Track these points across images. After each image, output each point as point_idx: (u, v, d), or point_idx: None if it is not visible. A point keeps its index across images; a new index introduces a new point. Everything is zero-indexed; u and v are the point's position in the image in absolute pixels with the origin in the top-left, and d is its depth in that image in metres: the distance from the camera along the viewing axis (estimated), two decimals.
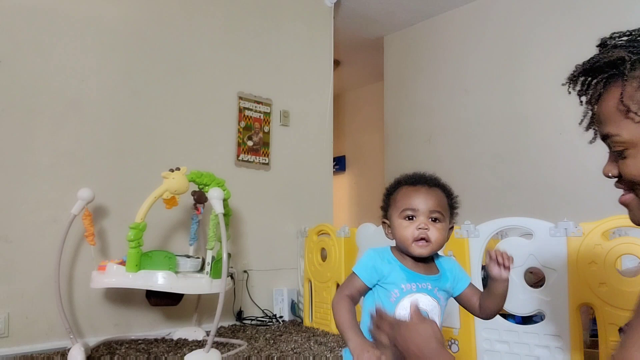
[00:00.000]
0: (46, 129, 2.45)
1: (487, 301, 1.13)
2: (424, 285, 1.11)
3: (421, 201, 1.10)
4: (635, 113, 0.80)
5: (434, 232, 1.09)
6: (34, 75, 2.43)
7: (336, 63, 4.46)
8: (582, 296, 1.82)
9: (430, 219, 1.10)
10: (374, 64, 4.99)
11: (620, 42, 0.89)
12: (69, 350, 2.09)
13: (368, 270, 1.12)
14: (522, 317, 2.01)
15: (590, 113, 0.94)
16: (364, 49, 4.85)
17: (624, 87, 0.82)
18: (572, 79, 0.99)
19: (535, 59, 3.51)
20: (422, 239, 1.09)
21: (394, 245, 1.17)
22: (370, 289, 1.14)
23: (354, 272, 1.13)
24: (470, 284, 1.17)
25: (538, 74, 3.49)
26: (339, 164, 6.02)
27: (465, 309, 1.20)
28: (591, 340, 2.01)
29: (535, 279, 2.08)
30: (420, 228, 1.09)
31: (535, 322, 1.95)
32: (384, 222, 1.18)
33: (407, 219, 1.10)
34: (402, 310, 1.08)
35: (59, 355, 2.17)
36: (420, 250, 1.09)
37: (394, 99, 4.54)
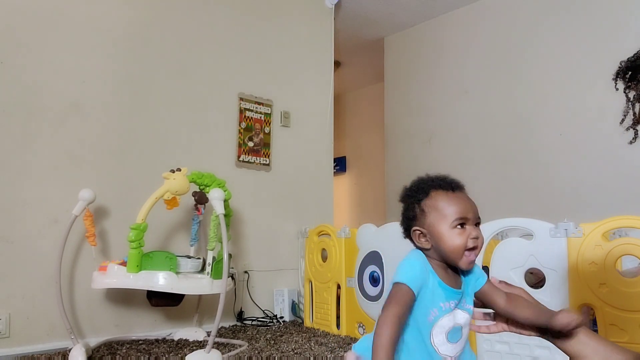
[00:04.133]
0: (47, 130, 2.45)
1: (521, 312, 1.10)
2: (458, 302, 1.08)
3: (469, 209, 1.07)
4: None
5: (481, 238, 1.07)
6: (35, 76, 2.44)
7: (337, 64, 4.47)
8: (582, 297, 1.82)
9: (474, 225, 1.07)
10: (375, 65, 4.99)
11: None
12: (69, 350, 2.09)
13: (417, 279, 1.04)
14: None
15: (631, 111, 0.91)
16: (364, 50, 4.86)
17: None
18: (619, 74, 0.96)
19: (535, 60, 3.51)
20: (474, 247, 1.05)
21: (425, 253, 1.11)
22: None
23: (401, 283, 1.03)
24: (488, 281, 1.13)
25: (538, 74, 3.49)
26: (340, 164, 6.02)
27: (486, 305, 1.16)
28: None
29: (536, 279, 2.08)
30: (473, 237, 1.05)
31: None
32: (415, 231, 1.10)
33: (458, 227, 1.05)
34: (439, 330, 1.05)
35: (60, 356, 2.17)
36: (470, 261, 1.06)
37: (394, 99, 4.55)
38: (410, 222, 1.11)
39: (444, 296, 1.05)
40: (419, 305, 1.04)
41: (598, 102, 3.15)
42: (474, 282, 1.12)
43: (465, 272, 1.11)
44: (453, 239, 1.04)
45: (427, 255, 1.09)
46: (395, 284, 1.03)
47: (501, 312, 1.13)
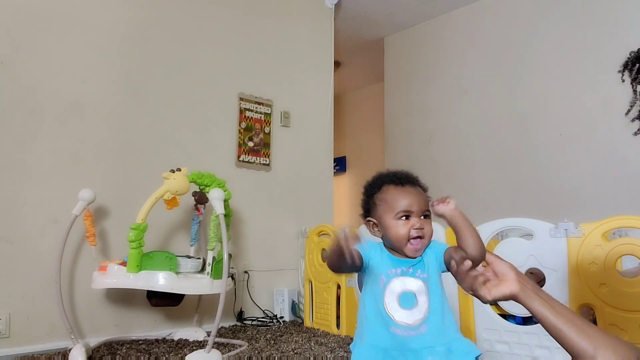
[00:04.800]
0: (47, 130, 2.45)
1: (459, 242, 1.14)
2: (408, 269, 1.16)
3: (414, 202, 1.16)
4: None
5: (427, 228, 1.16)
6: (35, 76, 2.44)
7: (337, 64, 4.46)
8: (582, 297, 1.82)
9: (421, 217, 1.16)
10: (375, 65, 4.99)
11: None
12: (69, 350, 2.09)
13: (365, 248, 1.17)
14: (522, 318, 2.01)
15: (639, 102, 0.92)
16: (364, 50, 4.86)
17: None
18: (627, 66, 0.97)
19: (535, 60, 3.51)
20: (418, 237, 1.14)
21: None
22: (360, 268, 1.17)
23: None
24: (449, 247, 1.18)
25: (538, 74, 3.50)
26: (340, 164, 6.02)
27: (458, 268, 1.19)
28: None
29: (536, 279, 2.08)
30: (416, 228, 1.14)
31: (536, 322, 1.95)
32: (369, 221, 1.21)
33: (403, 218, 1.15)
34: (390, 296, 1.15)
35: (60, 356, 2.17)
36: (415, 249, 1.15)
37: (394, 99, 4.55)
38: (365, 213, 1.23)
39: (391, 264, 1.16)
40: (370, 274, 1.18)
41: (601, 100, 3.14)
42: (435, 253, 1.18)
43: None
44: (397, 229, 1.15)
45: (383, 244, 1.20)
46: None
47: (456, 258, 1.16)
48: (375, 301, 1.15)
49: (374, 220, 1.20)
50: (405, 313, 1.14)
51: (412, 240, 1.14)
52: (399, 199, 1.16)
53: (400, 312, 1.14)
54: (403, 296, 1.14)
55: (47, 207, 2.40)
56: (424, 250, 1.17)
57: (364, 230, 1.28)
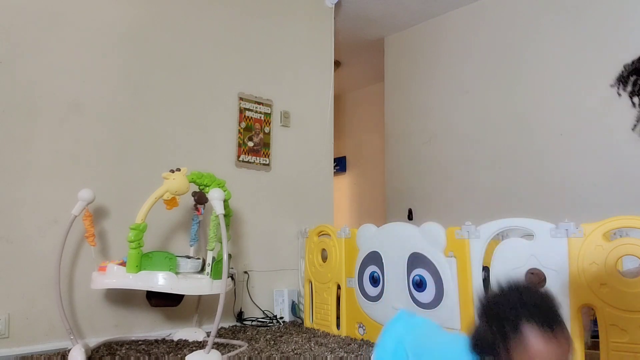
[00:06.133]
0: (47, 130, 2.45)
1: None
2: None
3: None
4: None
5: None
6: (35, 76, 2.43)
7: (337, 64, 4.46)
8: (583, 297, 1.82)
9: None
10: (375, 65, 4.99)
11: None
12: (69, 351, 2.09)
13: None
14: None
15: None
16: (364, 49, 4.86)
17: None
18: (622, 80, 0.90)
19: (535, 60, 3.51)
20: None
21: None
22: None
23: None
24: None
25: (538, 75, 3.49)
26: (340, 164, 6.02)
27: None
28: (592, 341, 2.00)
29: (536, 279, 2.07)
30: None
31: None
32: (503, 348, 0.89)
33: None
34: None
35: (59, 356, 2.17)
36: None
37: (395, 99, 4.55)
38: (487, 349, 0.91)
39: None
40: None
41: (599, 100, 3.14)
42: None
43: None
44: None
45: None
46: None
47: None
48: None
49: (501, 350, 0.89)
50: None
51: None
52: (543, 351, 0.86)
53: None
54: None
55: (46, 207, 2.40)
56: None
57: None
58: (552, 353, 0.86)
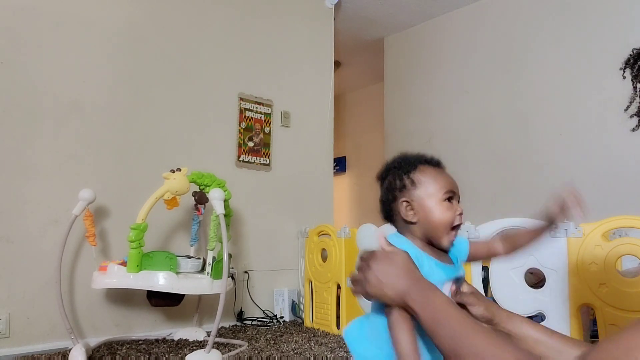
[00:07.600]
0: (47, 130, 2.45)
1: (524, 242, 1.11)
2: (456, 277, 1.03)
3: (455, 184, 1.03)
4: None
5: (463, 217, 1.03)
6: (35, 76, 2.44)
7: (337, 64, 4.46)
8: (582, 297, 1.82)
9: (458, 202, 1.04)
10: (375, 65, 4.99)
11: None
12: (70, 350, 2.09)
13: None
14: None
15: (638, 99, 0.90)
16: (364, 50, 4.86)
17: None
18: (629, 63, 0.94)
19: (535, 60, 3.51)
20: (458, 225, 1.01)
21: (401, 231, 1.04)
22: None
23: None
24: (470, 244, 1.09)
25: (538, 74, 3.50)
26: (340, 164, 6.02)
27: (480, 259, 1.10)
28: (591, 341, 2.01)
29: (536, 279, 2.08)
30: (460, 214, 1.01)
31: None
32: (405, 202, 1.01)
33: (447, 201, 1.01)
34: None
35: (60, 356, 2.17)
36: (451, 241, 1.01)
37: (394, 99, 4.55)
38: (396, 193, 1.02)
39: (443, 273, 0.99)
40: None
41: (601, 99, 3.14)
42: (459, 252, 1.06)
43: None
44: (443, 212, 1.00)
45: (411, 233, 1.02)
46: None
47: (503, 254, 1.12)
48: None
49: (410, 202, 1.00)
50: None
51: (450, 230, 1.00)
52: (442, 179, 1.01)
53: None
54: None
55: (47, 207, 2.40)
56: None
57: (387, 228, 1.09)
58: (448, 177, 1.03)
